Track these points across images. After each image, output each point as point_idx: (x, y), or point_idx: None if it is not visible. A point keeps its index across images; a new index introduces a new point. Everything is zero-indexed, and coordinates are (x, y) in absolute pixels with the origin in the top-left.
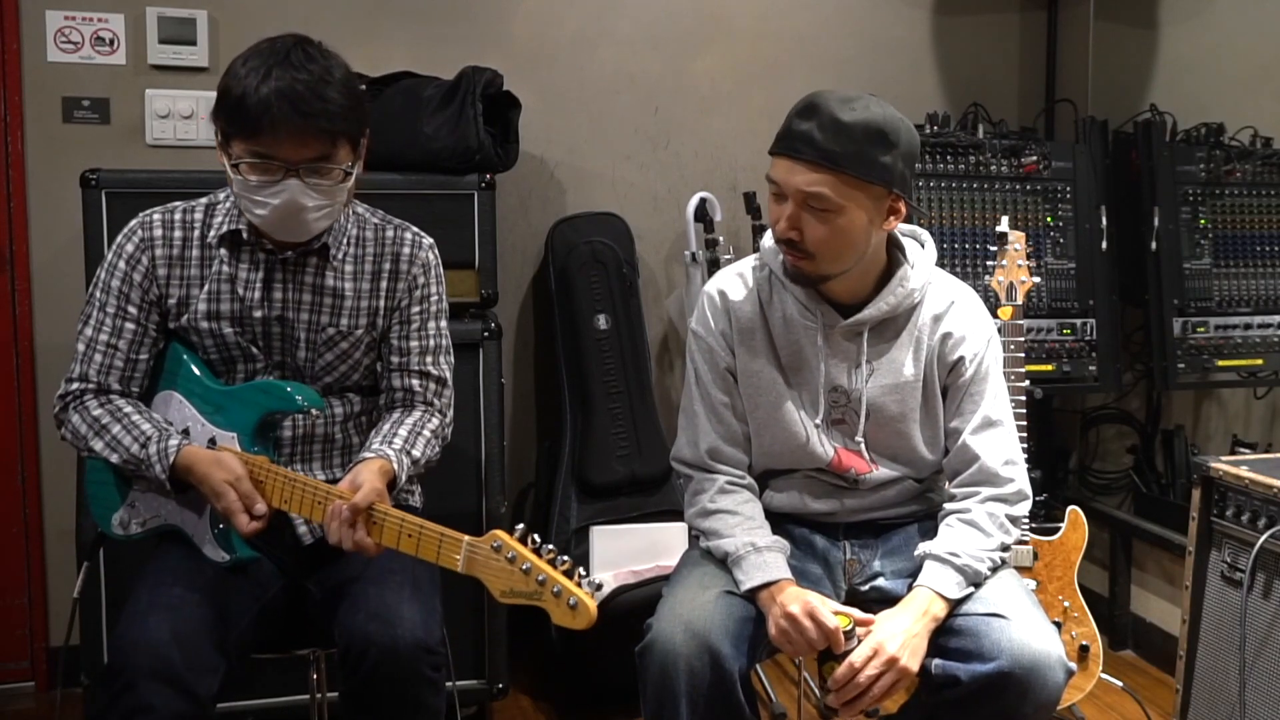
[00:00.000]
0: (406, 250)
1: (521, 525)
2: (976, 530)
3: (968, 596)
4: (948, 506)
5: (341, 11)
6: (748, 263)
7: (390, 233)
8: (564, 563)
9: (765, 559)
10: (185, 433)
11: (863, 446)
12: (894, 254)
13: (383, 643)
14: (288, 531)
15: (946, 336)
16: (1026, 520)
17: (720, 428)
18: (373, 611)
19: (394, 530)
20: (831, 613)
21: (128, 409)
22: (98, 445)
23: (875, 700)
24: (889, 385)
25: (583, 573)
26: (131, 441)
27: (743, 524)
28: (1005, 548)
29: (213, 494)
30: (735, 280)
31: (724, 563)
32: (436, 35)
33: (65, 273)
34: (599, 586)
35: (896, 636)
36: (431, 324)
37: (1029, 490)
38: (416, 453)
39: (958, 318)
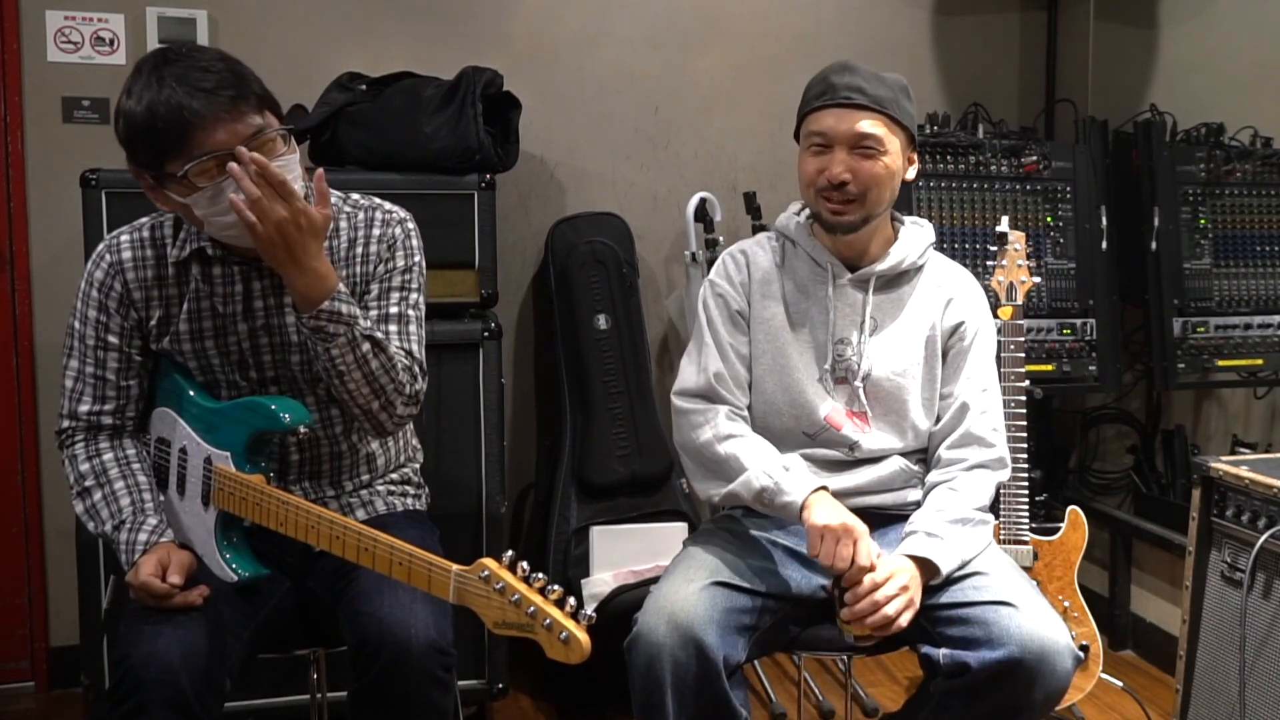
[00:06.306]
0: (376, 231)
1: (510, 552)
2: (958, 495)
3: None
4: (931, 478)
5: (341, 11)
6: (761, 235)
7: (361, 215)
8: (553, 592)
9: (800, 476)
10: (183, 450)
11: (861, 394)
12: (896, 225)
13: (396, 642)
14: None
15: (949, 301)
16: (1006, 485)
17: (728, 364)
18: (386, 610)
19: (385, 559)
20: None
21: (113, 470)
22: (78, 507)
23: (887, 620)
24: (892, 340)
25: (574, 604)
26: (109, 517)
27: (760, 452)
28: (985, 509)
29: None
30: (752, 244)
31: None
32: (436, 35)
33: (65, 273)
34: (592, 618)
35: (905, 571)
36: (395, 294)
37: (1009, 459)
38: (370, 329)
39: (959, 288)
